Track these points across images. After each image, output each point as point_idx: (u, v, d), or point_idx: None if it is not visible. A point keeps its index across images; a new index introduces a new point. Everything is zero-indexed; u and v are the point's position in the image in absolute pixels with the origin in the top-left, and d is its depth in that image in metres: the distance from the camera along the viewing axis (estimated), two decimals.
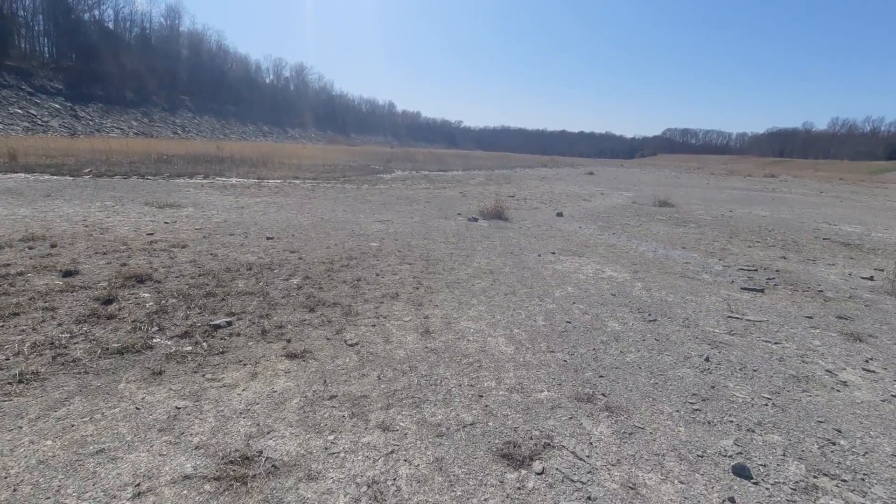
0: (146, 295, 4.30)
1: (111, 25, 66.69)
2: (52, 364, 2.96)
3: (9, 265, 4.87)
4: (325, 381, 3.01)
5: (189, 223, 7.77)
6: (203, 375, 2.98)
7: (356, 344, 3.61)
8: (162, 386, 2.82)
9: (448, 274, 5.81)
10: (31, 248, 5.63)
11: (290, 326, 3.84)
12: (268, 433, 2.43)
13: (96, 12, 64.55)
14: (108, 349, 3.18)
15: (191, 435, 2.38)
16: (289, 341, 3.56)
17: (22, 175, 13.28)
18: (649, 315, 4.70)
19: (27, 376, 2.77)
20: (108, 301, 4.04)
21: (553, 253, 7.37)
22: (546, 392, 3.05)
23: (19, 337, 3.28)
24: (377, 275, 5.55)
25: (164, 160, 20.24)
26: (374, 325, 4.00)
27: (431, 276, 5.63)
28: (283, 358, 3.29)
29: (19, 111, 44.85)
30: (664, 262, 7.22)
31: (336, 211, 10.26)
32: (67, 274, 4.72)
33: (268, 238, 7.06)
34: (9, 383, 2.70)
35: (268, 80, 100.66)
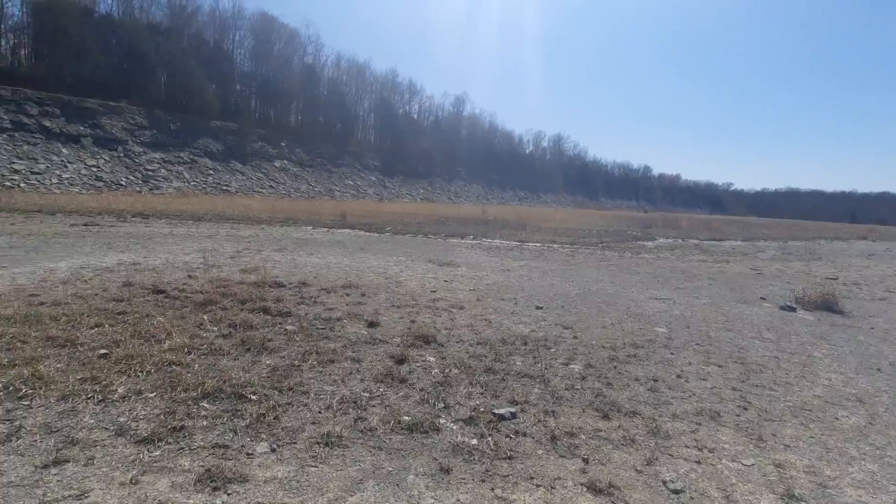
0: (431, 359, 4.23)
1: (415, 116, 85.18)
2: (353, 429, 2.90)
3: (332, 309, 5.69)
4: None
5: (464, 283, 8.11)
6: (492, 488, 2.43)
7: (680, 492, 2.53)
8: (449, 491, 2.38)
9: (785, 392, 4.11)
10: (347, 294, 6.59)
11: (583, 436, 3.05)
12: None
13: (407, 107, 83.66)
14: (399, 422, 3.00)
15: None
16: (586, 461, 2.75)
17: (347, 230, 17.07)
18: None
19: (332, 439, 2.73)
20: (400, 360, 4.09)
21: None
22: None
23: (331, 388, 3.46)
24: (678, 376, 4.33)
25: (441, 222, 23.38)
26: (697, 463, 2.84)
27: (760, 392, 4.06)
28: (585, 489, 2.48)
29: (349, 182, 60.67)
30: None
31: (602, 281, 9.33)
32: (371, 325, 5.16)
33: (537, 307, 6.64)
34: (317, 443, 2.70)
35: (527, 151, 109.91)
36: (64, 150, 34.75)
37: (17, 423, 2.63)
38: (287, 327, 4.76)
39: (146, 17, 52.06)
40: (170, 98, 47.77)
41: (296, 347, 4.21)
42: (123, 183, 35.78)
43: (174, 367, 3.53)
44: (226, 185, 44.14)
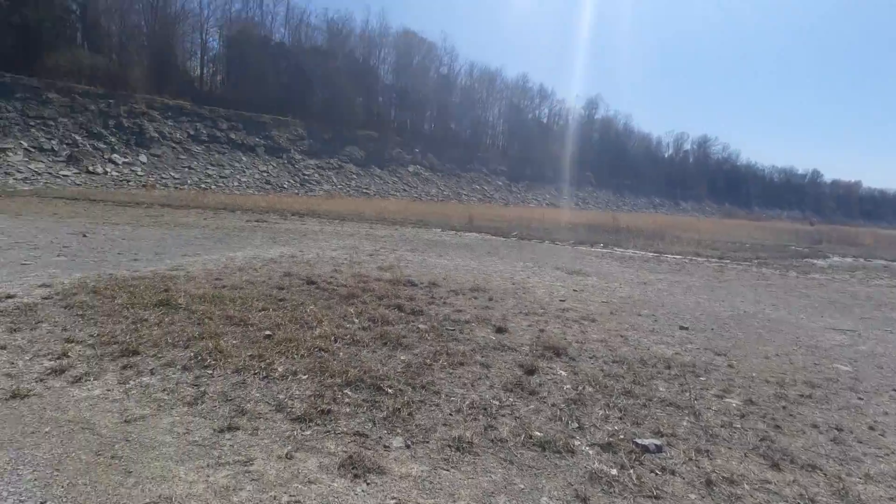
0: (563, 373, 4.01)
1: (545, 120, 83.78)
2: (484, 437, 2.85)
3: (461, 311, 5.76)
4: None
5: (595, 294, 7.63)
6: None
7: None
8: None
9: None
10: (475, 297, 6.64)
11: (746, 486, 2.59)
12: None
13: (536, 112, 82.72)
14: (531, 437, 2.87)
15: None
16: None
17: (474, 234, 17.36)
18: None
19: (463, 444, 2.71)
20: (530, 371, 3.95)
21: None
22: None
23: (461, 391, 3.46)
24: (870, 427, 3.49)
25: (569, 228, 22.53)
26: None
27: None
28: None
29: (477, 187, 61.93)
30: None
31: (761, 303, 8.03)
32: (499, 330, 5.10)
33: (681, 328, 5.94)
34: (449, 445, 2.70)
35: (666, 154, 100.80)
36: (244, 158, 41.35)
37: (202, 388, 3.10)
38: (419, 326, 4.93)
39: (310, 42, 59.48)
40: (325, 111, 53.79)
41: (427, 346, 4.33)
42: (286, 186, 41.30)
43: (323, 353, 3.86)
44: (366, 189, 48.27)
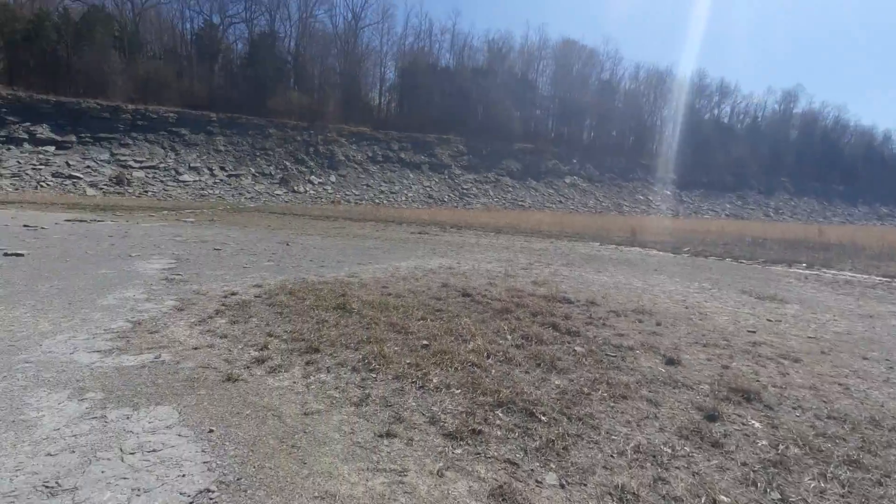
0: (756, 424, 3.29)
1: (725, 120, 73.33)
2: (652, 490, 2.46)
3: (623, 335, 5.24)
4: None
5: (798, 327, 6.23)
6: None
7: None
8: None
9: None
10: (640, 321, 5.98)
11: None
12: None
13: (715, 111, 72.98)
14: (715, 502, 2.38)
15: None
16: None
17: (637, 249, 15.93)
18: None
19: (627, 495, 2.37)
20: (711, 416, 3.34)
21: None
22: None
23: (624, 430, 3.08)
24: None
25: (757, 243, 19.13)
26: None
27: None
28: None
29: (640, 197, 57.10)
30: None
31: None
32: (670, 362, 4.48)
33: None
34: (609, 493, 2.39)
35: None
36: (410, 175, 45.33)
37: (367, 391, 3.34)
38: (576, 348, 4.61)
39: (471, 63, 62.68)
40: (484, 127, 55.94)
41: (585, 372, 4.00)
42: (446, 200, 43.93)
43: (476, 368, 3.86)
44: (521, 201, 48.47)
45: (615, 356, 4.52)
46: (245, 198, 34.97)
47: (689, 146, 66.74)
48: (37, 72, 35.61)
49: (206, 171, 36.58)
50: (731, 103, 74.17)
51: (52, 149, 32.47)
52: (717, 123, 71.27)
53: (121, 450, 2.42)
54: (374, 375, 3.61)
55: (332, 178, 41.07)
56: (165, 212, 20.88)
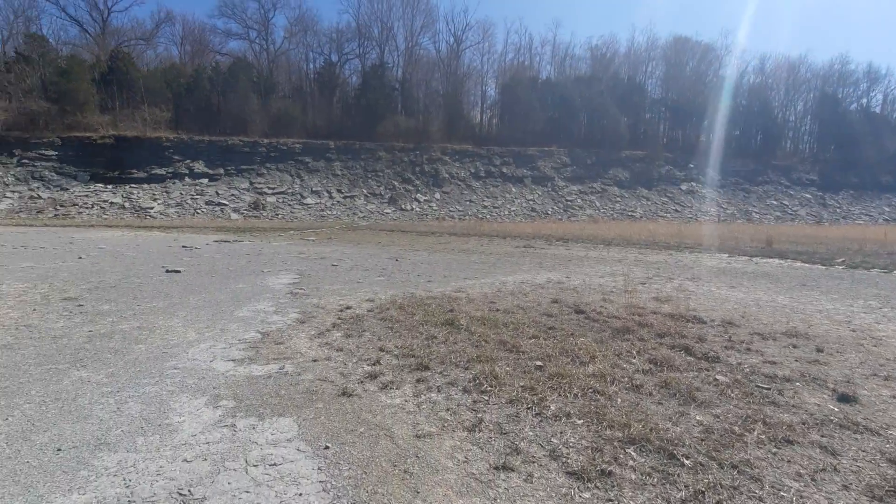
0: None
1: (877, 109, 61.69)
2: None
3: (774, 363, 4.41)
4: None
5: None
6: None
7: None
8: None
9: None
10: (794, 346, 5.02)
11: None
12: None
13: (863, 101, 61.85)
14: None
15: None
16: None
17: (775, 260, 13.82)
18: None
19: None
20: None
21: None
22: None
23: (795, 485, 2.48)
24: None
25: None
26: None
27: None
28: None
29: (773, 202, 50.06)
30: None
31: None
32: (844, 399, 3.63)
33: None
34: None
35: None
36: (513, 189, 45.07)
37: (479, 415, 3.15)
38: (717, 377, 3.96)
39: (574, 72, 61.02)
40: (588, 136, 53.84)
41: (732, 407, 3.38)
42: (549, 212, 42.82)
43: (598, 395, 3.47)
44: (631, 211, 45.44)
45: (769, 389, 3.79)
46: (358, 217, 37.55)
47: (831, 142, 57.34)
48: (195, 117, 42.29)
49: (325, 193, 40.08)
50: (884, 90, 62.29)
51: (205, 181, 38.13)
52: (866, 114, 60.24)
53: (245, 461, 2.52)
54: (487, 398, 3.40)
55: (437, 196, 42.38)
56: (292, 232, 23.14)
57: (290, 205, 38.05)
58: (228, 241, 16.97)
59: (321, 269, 10.23)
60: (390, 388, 3.55)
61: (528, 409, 3.23)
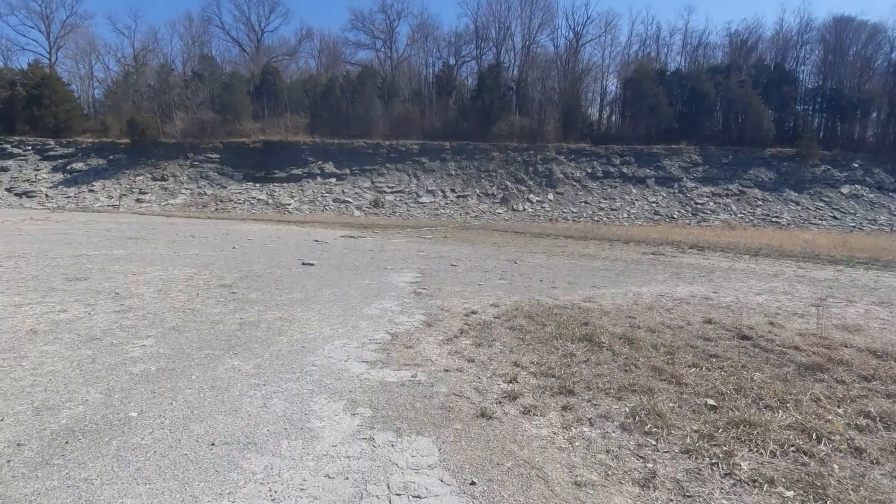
0: None
1: None
2: None
3: None
4: None
5: None
6: None
7: None
8: None
9: None
10: None
11: None
12: None
13: None
14: None
15: None
16: None
17: None
18: None
19: None
20: None
21: None
22: None
23: None
24: None
25: None
26: None
27: None
28: None
29: None
30: None
31: None
32: None
33: None
34: None
35: None
36: (633, 190, 41.88)
37: (649, 465, 2.59)
38: None
39: (708, 62, 54.87)
40: (724, 133, 48.04)
41: None
42: (675, 216, 38.96)
43: (805, 456, 2.69)
44: (776, 217, 39.47)
45: None
46: (470, 216, 37.84)
47: None
48: (327, 121, 46.24)
49: (439, 193, 41.10)
50: None
51: (333, 180, 41.47)
52: None
53: (388, 486, 2.30)
54: (654, 442, 2.82)
55: (550, 196, 41.01)
56: (409, 230, 23.96)
57: (406, 203, 39.68)
58: (353, 237, 18.01)
59: (441, 268, 10.20)
60: (534, 415, 3.14)
61: (713, 465, 2.59)
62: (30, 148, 41.85)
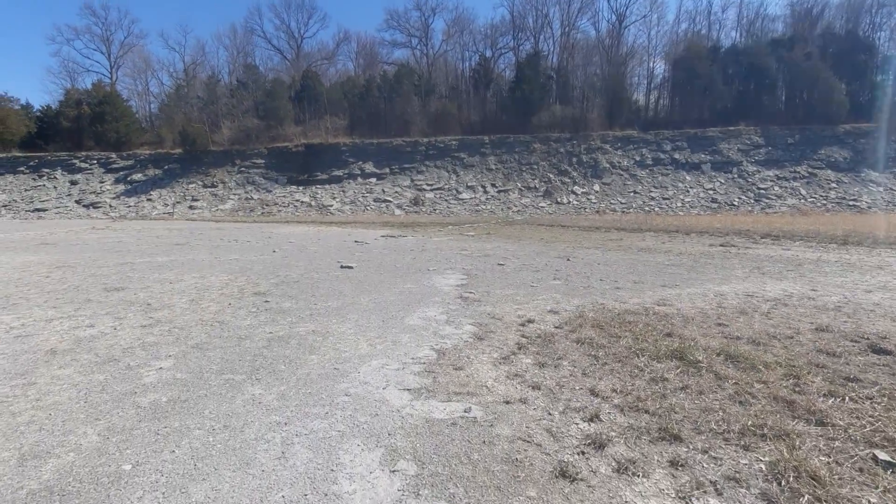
0: None
1: None
2: None
3: None
4: None
5: None
6: None
7: None
8: None
9: None
10: None
11: None
12: None
13: None
14: None
15: None
16: None
17: None
18: None
19: None
20: None
21: None
22: None
23: None
24: None
25: None
26: None
27: None
28: None
29: None
30: None
31: None
32: None
33: None
34: None
35: None
36: (687, 177, 39.27)
37: None
38: None
39: (767, 36, 50.78)
40: (789, 111, 44.32)
41: None
42: (736, 203, 36.16)
43: None
44: (853, 200, 35.82)
45: None
46: (512, 211, 36.70)
47: None
48: (366, 122, 46.36)
49: (479, 188, 40.18)
50: None
51: (373, 180, 41.46)
52: None
53: None
54: None
55: (596, 187, 39.15)
56: (450, 227, 23.28)
57: (446, 200, 39.05)
58: (394, 237, 17.52)
59: (487, 268, 9.42)
60: (633, 475, 2.33)
61: None
62: (95, 162, 44.48)
